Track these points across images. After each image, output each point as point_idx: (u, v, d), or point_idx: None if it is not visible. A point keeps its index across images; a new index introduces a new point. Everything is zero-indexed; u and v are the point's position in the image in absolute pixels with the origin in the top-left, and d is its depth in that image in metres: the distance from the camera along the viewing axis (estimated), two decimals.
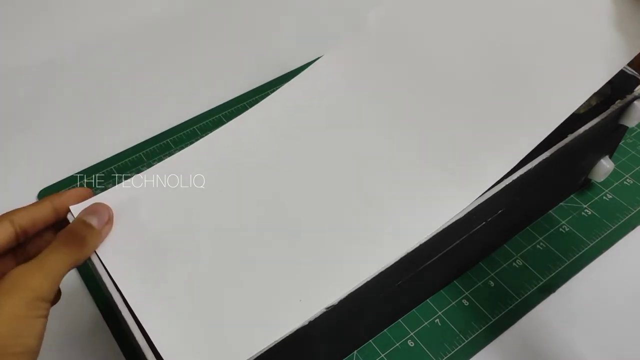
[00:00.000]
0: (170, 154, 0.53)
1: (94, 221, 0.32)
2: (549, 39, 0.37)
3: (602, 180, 0.48)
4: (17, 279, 0.28)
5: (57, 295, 0.35)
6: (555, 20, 0.38)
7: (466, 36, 0.39)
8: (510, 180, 0.36)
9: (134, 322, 0.30)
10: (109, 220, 0.33)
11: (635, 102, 0.41)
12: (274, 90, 0.59)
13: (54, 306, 0.43)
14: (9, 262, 0.33)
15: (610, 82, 0.42)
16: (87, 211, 0.32)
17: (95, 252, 0.32)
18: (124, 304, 0.31)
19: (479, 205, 0.35)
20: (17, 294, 0.28)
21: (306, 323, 0.30)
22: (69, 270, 0.30)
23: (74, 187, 0.49)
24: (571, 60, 0.36)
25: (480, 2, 0.40)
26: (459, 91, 0.38)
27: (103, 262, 0.32)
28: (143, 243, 0.33)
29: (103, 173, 0.53)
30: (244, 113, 0.39)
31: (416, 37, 0.40)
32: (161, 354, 0.28)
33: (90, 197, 0.34)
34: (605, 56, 0.36)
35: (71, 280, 0.45)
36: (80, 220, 0.32)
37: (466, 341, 0.41)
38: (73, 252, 0.30)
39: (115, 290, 0.31)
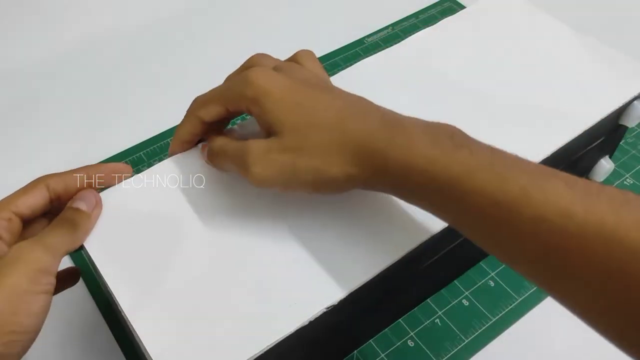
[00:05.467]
0: None
1: (82, 205, 0.33)
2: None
3: (602, 180, 0.48)
4: (19, 253, 0.29)
5: (73, 276, 0.36)
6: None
7: None
8: None
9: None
10: (97, 204, 0.34)
11: (635, 102, 0.41)
12: None
13: (55, 306, 0.43)
14: (44, 224, 0.34)
15: None
16: (75, 198, 0.33)
17: (89, 252, 0.32)
18: None
19: None
20: (19, 266, 0.28)
21: (306, 323, 0.30)
22: (67, 250, 0.31)
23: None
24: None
25: None
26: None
27: (96, 262, 0.32)
28: (141, 243, 0.33)
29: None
30: (247, 119, 0.39)
31: None
32: (153, 358, 0.28)
33: (127, 173, 0.36)
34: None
35: None
36: (69, 207, 0.33)
37: (466, 341, 0.41)
38: (68, 232, 0.31)
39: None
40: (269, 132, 0.31)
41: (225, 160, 0.33)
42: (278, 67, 0.34)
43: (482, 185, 0.26)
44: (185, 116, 0.36)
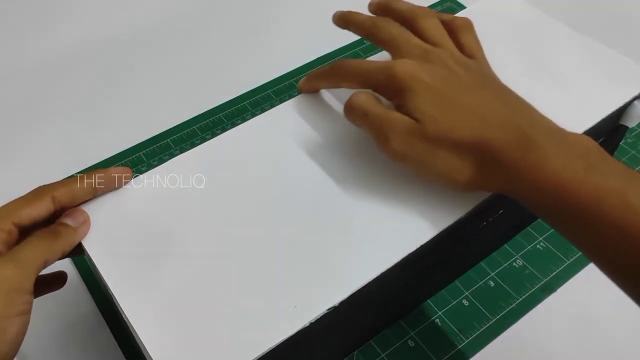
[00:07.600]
0: (170, 154, 0.53)
1: (68, 221, 0.32)
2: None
3: None
4: None
5: (61, 280, 0.36)
6: None
7: None
8: None
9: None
10: (85, 222, 0.33)
11: (635, 102, 0.41)
12: (273, 91, 0.59)
13: (55, 306, 0.43)
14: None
15: None
16: (63, 216, 0.32)
17: (89, 253, 0.32)
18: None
19: (478, 205, 0.35)
20: None
21: (307, 324, 0.30)
22: (44, 262, 0.30)
23: (118, 165, 0.52)
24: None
25: None
26: None
27: (96, 263, 0.32)
28: (141, 244, 0.33)
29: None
30: (248, 121, 0.39)
31: None
32: (153, 358, 0.28)
33: (127, 174, 0.35)
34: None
35: (71, 280, 0.45)
36: (56, 222, 0.32)
37: (466, 341, 0.41)
38: (46, 243, 0.30)
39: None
40: (408, 115, 0.32)
41: (363, 122, 0.33)
42: (428, 52, 0.34)
43: (611, 213, 0.26)
44: (329, 69, 0.37)
